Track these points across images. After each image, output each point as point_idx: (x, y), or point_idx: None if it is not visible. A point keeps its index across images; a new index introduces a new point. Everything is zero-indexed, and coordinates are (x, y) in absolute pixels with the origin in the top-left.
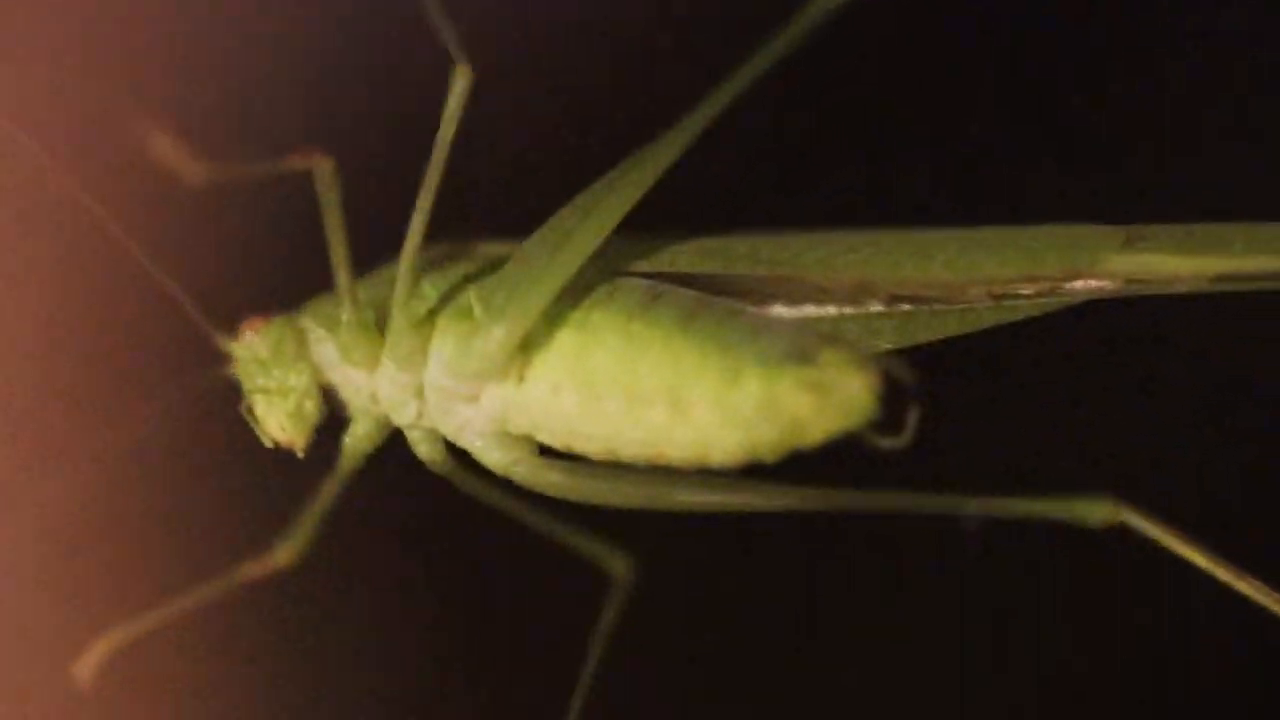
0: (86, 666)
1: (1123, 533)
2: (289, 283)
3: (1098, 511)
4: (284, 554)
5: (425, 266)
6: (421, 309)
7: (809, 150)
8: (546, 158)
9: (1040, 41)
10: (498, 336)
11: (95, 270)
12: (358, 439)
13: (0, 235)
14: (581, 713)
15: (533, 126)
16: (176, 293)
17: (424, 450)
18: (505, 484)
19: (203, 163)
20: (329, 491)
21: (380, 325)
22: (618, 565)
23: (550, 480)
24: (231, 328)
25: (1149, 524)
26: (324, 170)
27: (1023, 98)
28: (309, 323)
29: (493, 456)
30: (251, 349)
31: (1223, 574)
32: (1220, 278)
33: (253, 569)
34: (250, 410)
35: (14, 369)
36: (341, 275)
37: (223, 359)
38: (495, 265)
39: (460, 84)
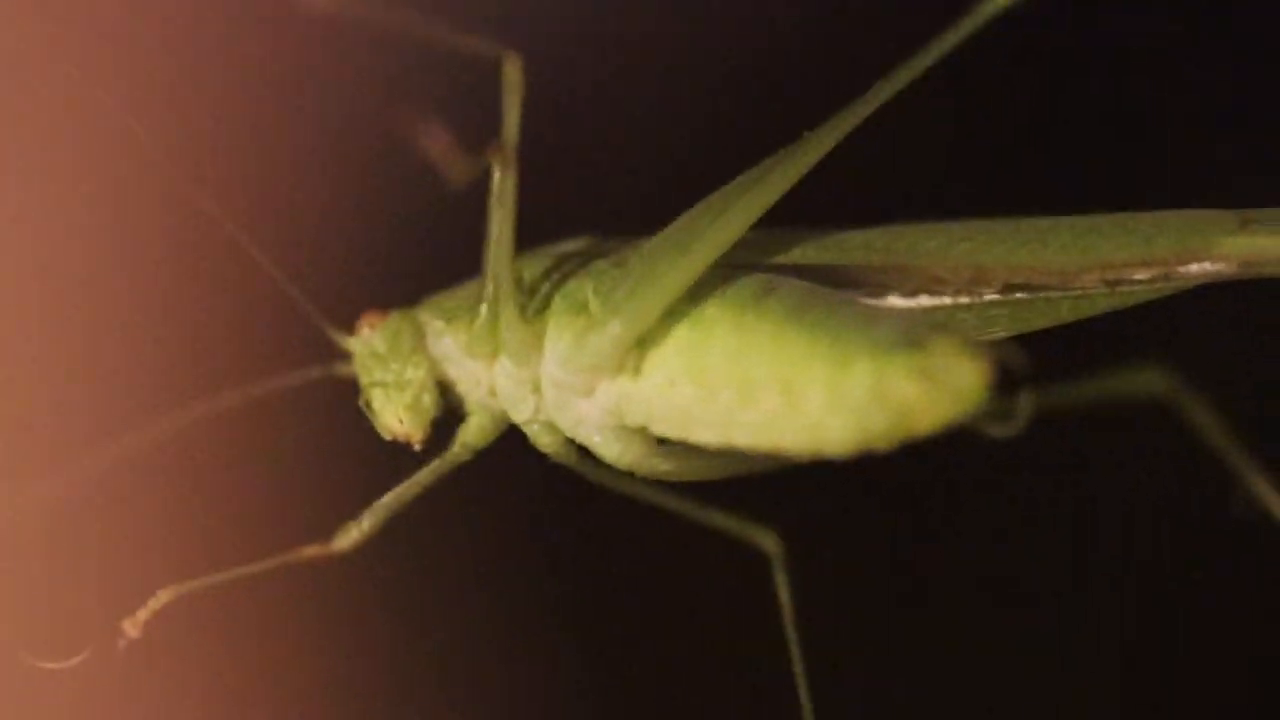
0: (135, 624)
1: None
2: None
3: (1153, 383)
4: (343, 540)
5: (536, 262)
6: (536, 303)
7: (923, 140)
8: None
9: (1158, 27)
10: (614, 332)
11: (207, 265)
12: (471, 433)
13: (115, 231)
14: (812, 699)
15: (641, 122)
16: (291, 288)
17: (546, 442)
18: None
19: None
20: (416, 483)
21: (496, 320)
22: (766, 540)
23: (669, 469)
24: (347, 322)
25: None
26: (506, 161)
27: (1135, 82)
28: (427, 316)
29: (611, 450)
30: (369, 343)
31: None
32: None
33: (312, 551)
34: (368, 404)
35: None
36: (494, 269)
37: (337, 353)
38: (607, 260)
39: (513, 72)
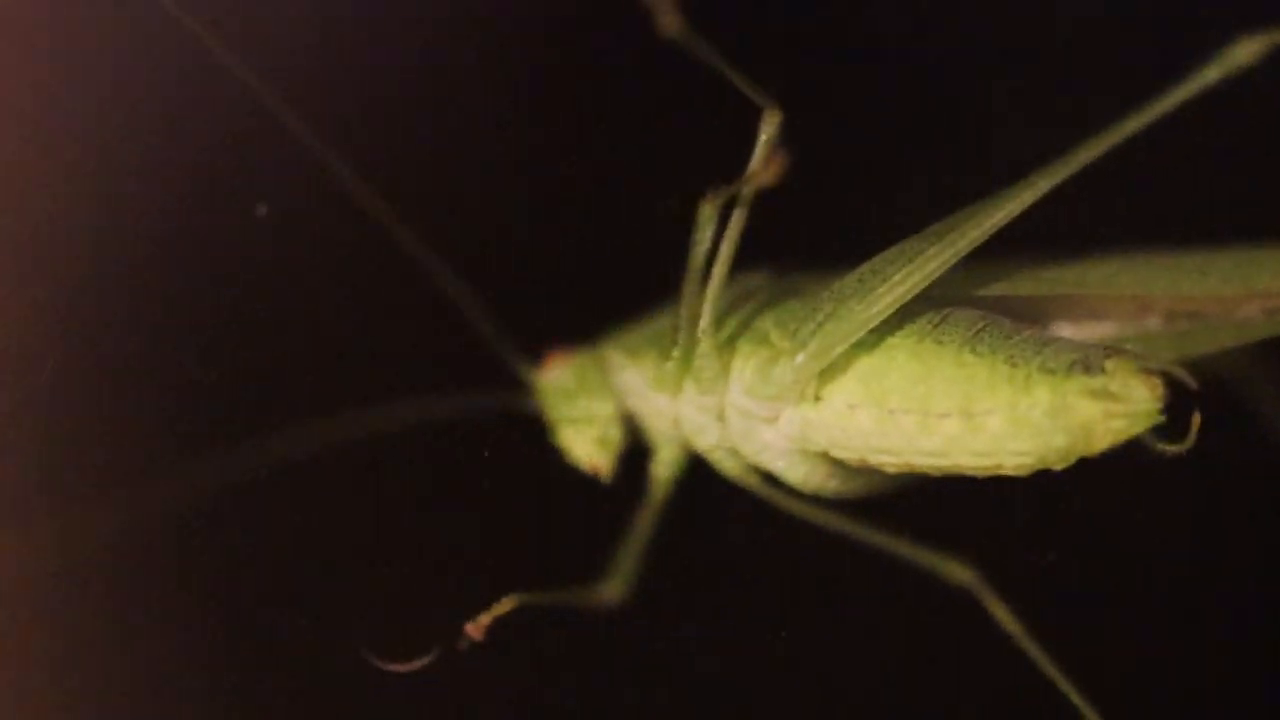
0: (478, 628)
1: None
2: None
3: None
4: (610, 590)
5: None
6: (723, 336)
7: (1085, 174)
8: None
9: None
10: (799, 364)
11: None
12: (663, 466)
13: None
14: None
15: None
16: (482, 320)
17: (732, 468)
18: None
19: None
20: (644, 523)
21: (681, 353)
22: (961, 573)
23: (851, 489)
24: (533, 359)
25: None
26: (706, 211)
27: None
28: (612, 353)
29: (796, 474)
30: (557, 380)
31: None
32: None
33: (585, 598)
34: (557, 438)
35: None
36: (693, 304)
37: (520, 387)
38: (787, 293)
39: (770, 126)
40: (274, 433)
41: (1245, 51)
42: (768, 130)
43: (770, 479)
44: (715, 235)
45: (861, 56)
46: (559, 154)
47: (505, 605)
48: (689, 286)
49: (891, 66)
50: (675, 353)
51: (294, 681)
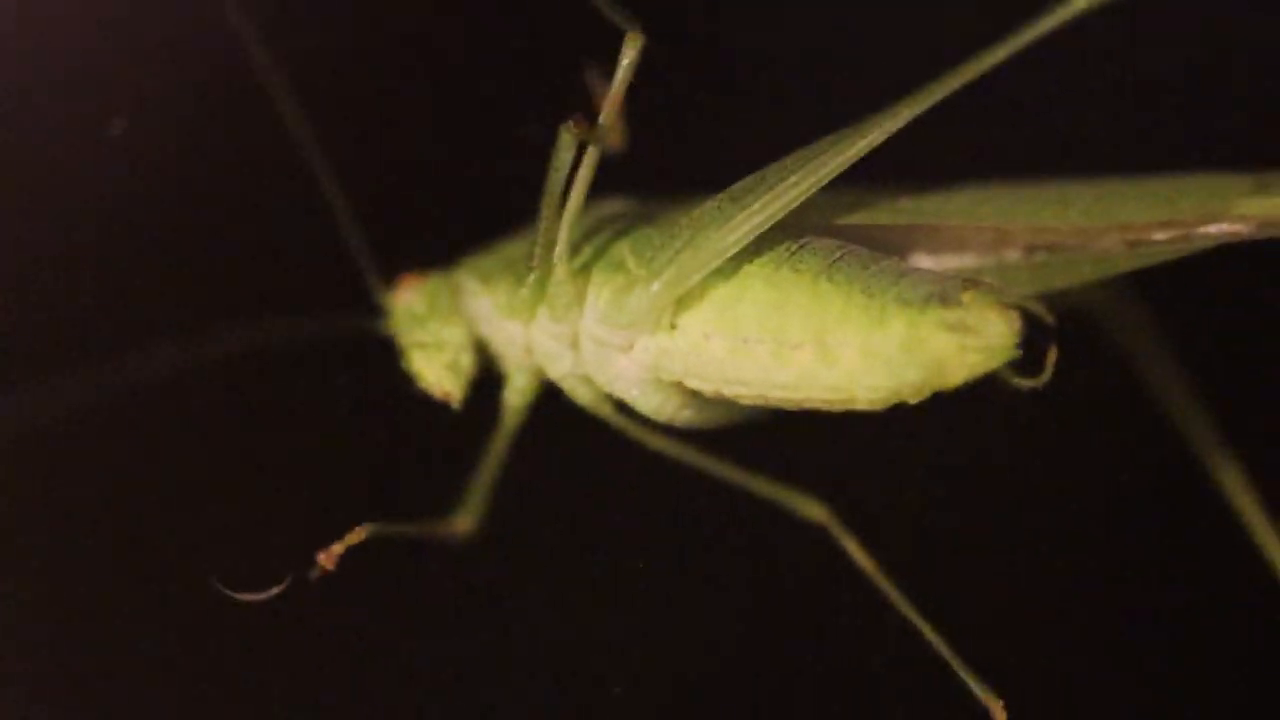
0: (330, 557)
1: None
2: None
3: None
4: (463, 522)
5: (579, 223)
6: (578, 262)
7: (950, 103)
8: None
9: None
10: (655, 291)
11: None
12: (514, 393)
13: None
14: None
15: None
16: (355, 243)
17: (584, 395)
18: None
19: None
20: (496, 452)
21: (534, 280)
22: (816, 510)
23: (704, 419)
24: (386, 282)
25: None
26: (566, 141)
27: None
28: (464, 278)
29: (649, 403)
30: (409, 304)
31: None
32: None
33: (436, 529)
34: (408, 363)
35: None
36: (548, 231)
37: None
38: (644, 221)
39: (632, 51)
40: (125, 354)
41: None
42: (629, 55)
43: (624, 408)
44: (574, 161)
45: None
46: (424, 78)
47: (357, 535)
48: (545, 212)
49: None
50: (529, 279)
51: (142, 614)
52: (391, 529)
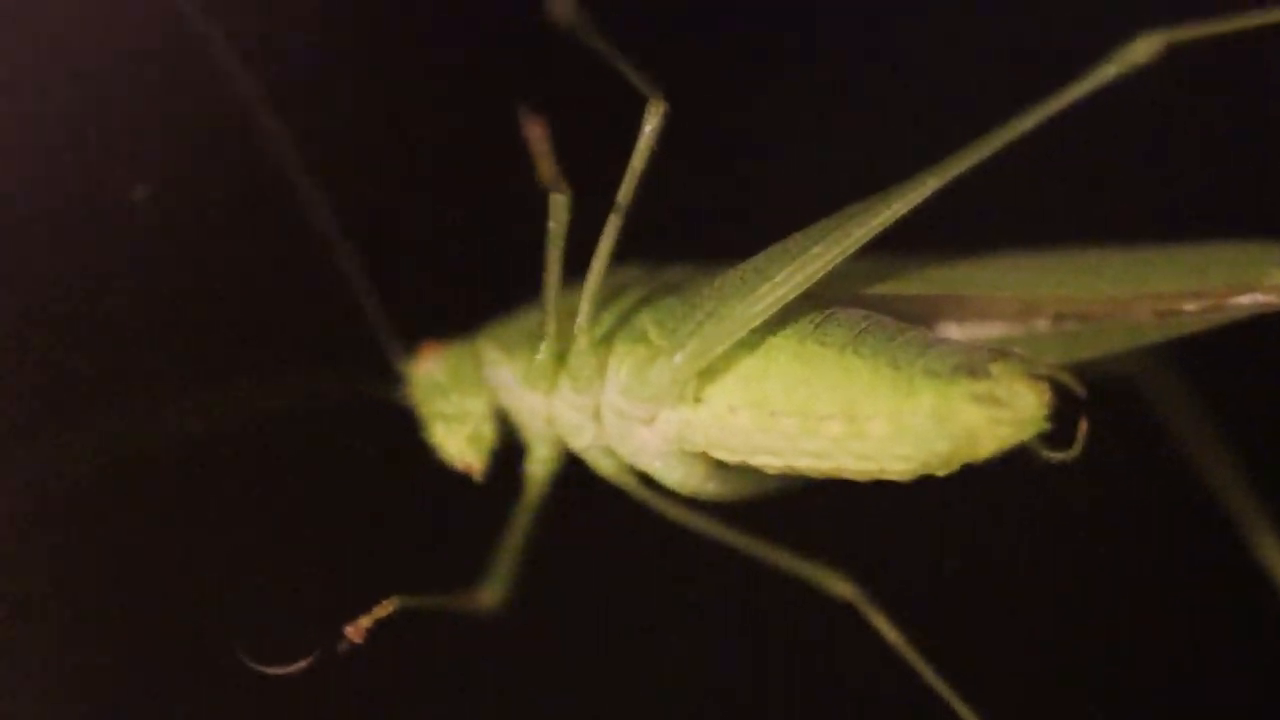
0: (358, 630)
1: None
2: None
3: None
4: (489, 595)
5: (601, 292)
6: (598, 333)
7: (977, 172)
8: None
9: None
10: (678, 364)
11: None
12: (537, 464)
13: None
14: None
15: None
16: (372, 309)
17: (607, 467)
18: (694, 503)
19: None
20: (520, 524)
21: (556, 350)
22: (841, 585)
23: (728, 491)
24: (408, 351)
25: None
26: (559, 202)
27: (1185, 114)
28: (486, 347)
29: (673, 476)
30: (430, 374)
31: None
32: None
33: (465, 602)
34: (429, 434)
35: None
36: (549, 302)
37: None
38: (666, 290)
39: (654, 119)
40: (139, 419)
41: (1143, 49)
42: (651, 122)
43: (648, 481)
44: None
45: (750, 53)
46: (448, 142)
47: (385, 608)
48: (548, 279)
49: (779, 62)
50: (550, 350)
51: (163, 683)
52: (419, 601)
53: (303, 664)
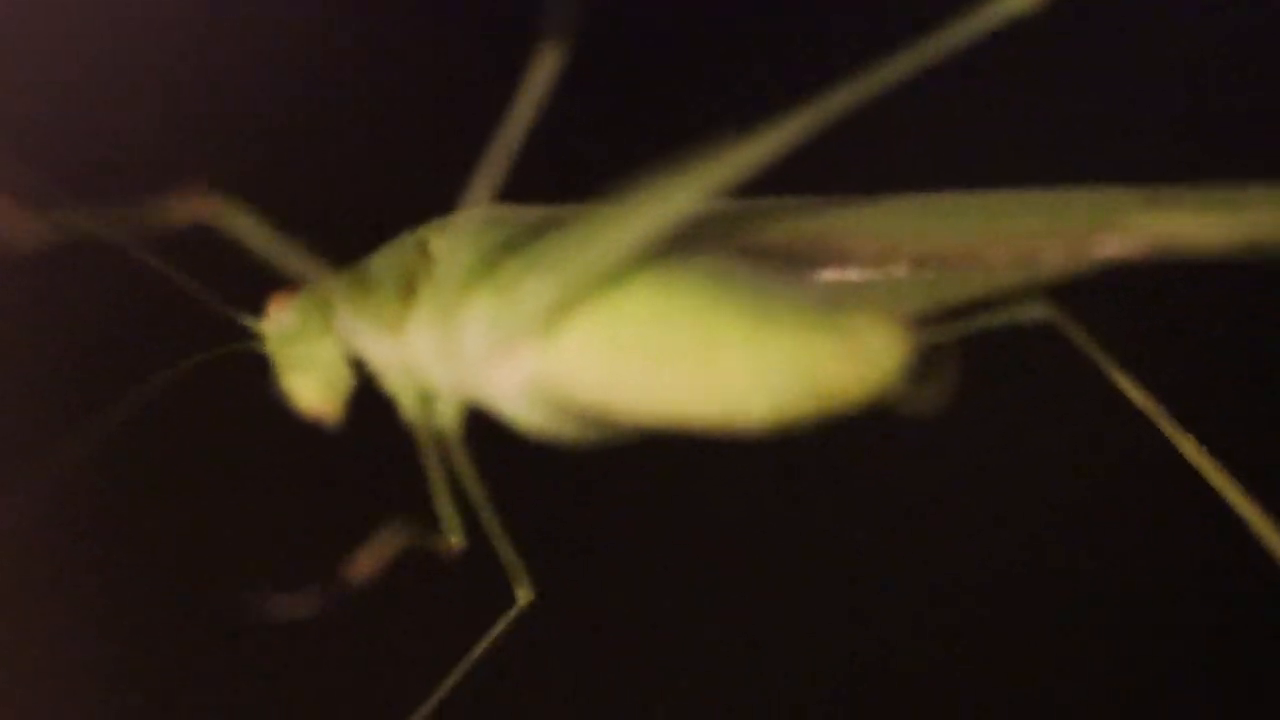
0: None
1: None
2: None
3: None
4: (449, 542)
5: (447, 232)
6: (454, 270)
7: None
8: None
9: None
10: (535, 303)
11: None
12: (406, 412)
13: None
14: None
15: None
16: (185, 280)
17: (445, 416)
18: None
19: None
20: (437, 475)
21: (405, 291)
22: (523, 591)
23: (585, 434)
24: (255, 307)
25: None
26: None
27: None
28: (335, 290)
29: (532, 419)
30: (279, 324)
31: (1140, 398)
32: (1252, 245)
33: (434, 544)
34: (283, 384)
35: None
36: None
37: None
38: (522, 230)
39: (550, 63)
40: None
41: None
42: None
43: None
44: None
45: None
46: (448, 141)
47: (389, 542)
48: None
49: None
50: (392, 294)
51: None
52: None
53: (306, 605)
